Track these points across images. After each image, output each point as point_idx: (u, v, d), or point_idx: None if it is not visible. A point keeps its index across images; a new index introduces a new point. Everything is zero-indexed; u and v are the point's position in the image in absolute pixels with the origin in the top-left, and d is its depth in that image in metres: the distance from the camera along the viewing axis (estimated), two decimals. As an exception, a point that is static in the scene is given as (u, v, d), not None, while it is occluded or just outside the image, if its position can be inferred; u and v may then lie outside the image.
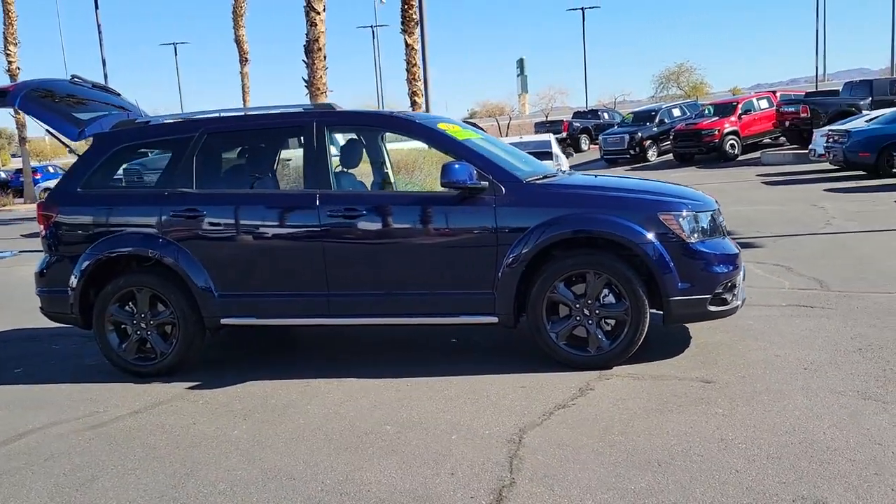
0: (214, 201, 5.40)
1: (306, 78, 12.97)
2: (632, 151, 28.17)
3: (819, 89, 32.78)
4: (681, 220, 4.85)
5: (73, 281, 5.51)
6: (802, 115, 24.43)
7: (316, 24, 12.68)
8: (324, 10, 12.72)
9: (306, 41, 12.88)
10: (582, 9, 51.06)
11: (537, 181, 5.19)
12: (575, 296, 4.94)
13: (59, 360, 6.25)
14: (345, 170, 5.63)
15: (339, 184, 5.39)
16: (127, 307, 5.53)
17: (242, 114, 5.73)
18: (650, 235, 4.79)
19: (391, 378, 5.06)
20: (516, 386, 4.74)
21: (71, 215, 5.61)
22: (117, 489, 3.70)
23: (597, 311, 4.92)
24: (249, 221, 5.33)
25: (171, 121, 5.75)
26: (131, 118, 5.90)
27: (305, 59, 12.96)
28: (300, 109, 5.56)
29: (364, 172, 6.08)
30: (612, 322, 4.98)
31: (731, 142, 25.37)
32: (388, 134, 6.52)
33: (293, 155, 6.51)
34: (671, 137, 26.97)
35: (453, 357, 5.54)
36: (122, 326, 5.56)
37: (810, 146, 21.03)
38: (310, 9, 12.64)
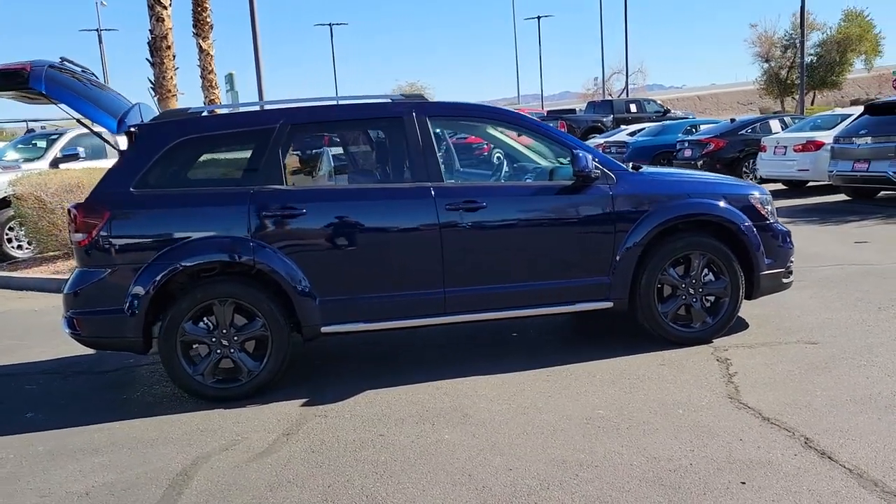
0: (313, 198, 4.92)
1: (152, 79, 11.71)
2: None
3: (555, 108, 36.47)
4: (763, 203, 5.44)
5: (133, 298, 4.65)
6: (561, 129, 27.15)
7: (163, 20, 11.44)
8: (170, 4, 11.61)
9: (151, 38, 11.57)
10: (330, 24, 51.43)
11: (639, 171, 5.45)
12: (679, 276, 5.29)
13: (69, 399, 5.16)
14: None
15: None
16: (201, 323, 4.80)
17: (327, 104, 5.22)
18: (747, 217, 5.30)
19: (522, 371, 4.97)
20: (655, 364, 4.96)
21: (126, 220, 4.74)
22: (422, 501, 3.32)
23: (700, 290, 5.31)
24: (356, 219, 4.91)
25: (235, 111, 5.08)
26: (180, 109, 5.10)
27: (150, 59, 11.64)
28: (388, 100, 5.23)
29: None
30: (711, 299, 5.39)
31: (500, 154, 27.28)
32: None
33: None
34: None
35: (545, 349, 5.57)
36: (194, 347, 4.81)
37: (581, 156, 23.41)
38: (155, 2, 11.44)
